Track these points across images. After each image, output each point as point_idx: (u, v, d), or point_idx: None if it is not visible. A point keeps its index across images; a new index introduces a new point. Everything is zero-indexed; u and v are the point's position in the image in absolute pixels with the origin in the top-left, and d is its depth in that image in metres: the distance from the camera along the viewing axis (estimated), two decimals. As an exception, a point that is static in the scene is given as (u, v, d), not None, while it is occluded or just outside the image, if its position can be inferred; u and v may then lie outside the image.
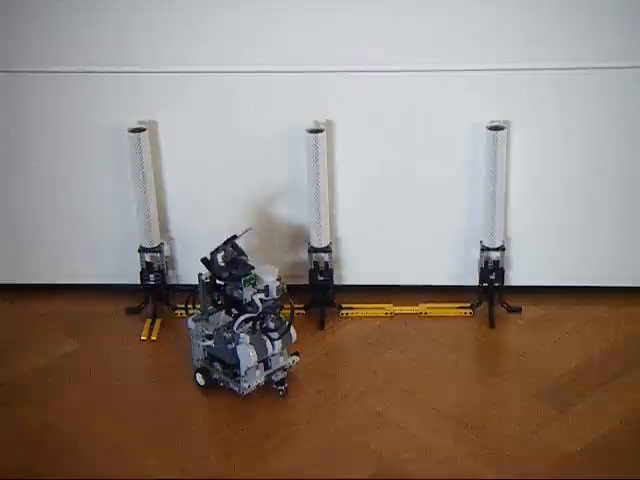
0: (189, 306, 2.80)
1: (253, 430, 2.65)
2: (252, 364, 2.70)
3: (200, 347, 2.80)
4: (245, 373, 2.72)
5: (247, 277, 2.69)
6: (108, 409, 2.76)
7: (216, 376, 2.79)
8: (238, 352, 2.70)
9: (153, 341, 3.06)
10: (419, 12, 2.86)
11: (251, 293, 2.70)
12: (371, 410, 2.71)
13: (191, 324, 2.79)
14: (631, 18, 2.83)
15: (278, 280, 2.71)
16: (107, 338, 3.08)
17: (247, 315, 2.70)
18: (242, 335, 2.70)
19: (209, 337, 2.75)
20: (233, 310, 2.74)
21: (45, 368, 2.94)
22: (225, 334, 2.72)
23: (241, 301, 2.70)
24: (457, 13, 2.85)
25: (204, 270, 2.74)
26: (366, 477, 2.48)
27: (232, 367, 2.74)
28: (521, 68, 2.90)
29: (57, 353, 3.00)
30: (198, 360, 2.82)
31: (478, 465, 2.50)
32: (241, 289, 2.69)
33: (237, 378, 2.73)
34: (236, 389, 2.74)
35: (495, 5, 2.84)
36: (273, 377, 2.78)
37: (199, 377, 2.80)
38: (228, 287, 2.72)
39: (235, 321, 2.70)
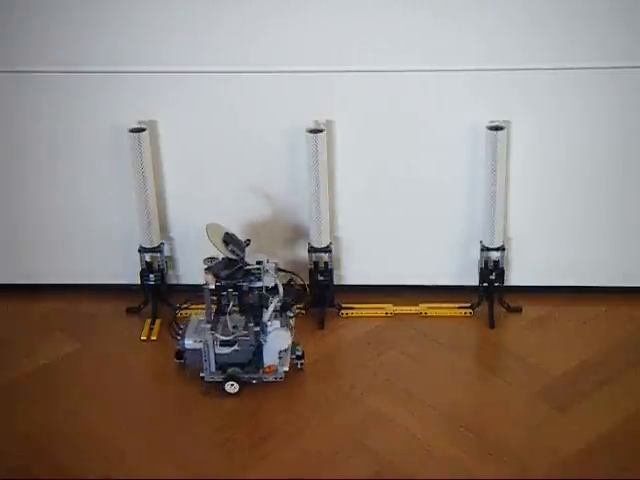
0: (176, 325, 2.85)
1: (253, 430, 2.66)
2: (287, 346, 2.76)
3: (212, 360, 2.78)
4: (280, 357, 2.77)
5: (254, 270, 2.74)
6: (108, 409, 2.76)
7: (245, 377, 2.79)
8: (271, 339, 2.73)
9: (153, 341, 3.06)
10: (419, 13, 2.86)
11: (272, 278, 2.74)
12: (371, 410, 2.71)
13: (197, 344, 2.77)
14: (630, 18, 2.83)
15: (267, 261, 2.78)
16: (107, 338, 3.08)
17: (275, 302, 2.74)
18: (271, 322, 2.74)
19: (228, 343, 2.75)
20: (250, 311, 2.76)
21: (45, 368, 2.94)
22: (254, 329, 2.73)
23: (257, 301, 2.74)
24: (457, 13, 2.85)
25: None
26: (366, 477, 2.48)
27: (254, 363, 2.77)
28: (521, 68, 2.90)
29: (57, 353, 3.00)
30: (212, 374, 2.79)
31: (478, 465, 2.50)
32: (254, 289, 2.73)
33: (261, 369, 2.77)
34: (264, 379, 2.78)
35: (495, 5, 2.84)
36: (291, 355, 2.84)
37: (229, 385, 2.76)
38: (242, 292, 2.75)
39: (264, 314, 2.73)
